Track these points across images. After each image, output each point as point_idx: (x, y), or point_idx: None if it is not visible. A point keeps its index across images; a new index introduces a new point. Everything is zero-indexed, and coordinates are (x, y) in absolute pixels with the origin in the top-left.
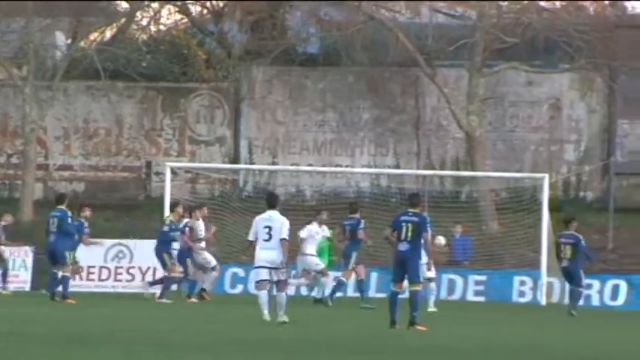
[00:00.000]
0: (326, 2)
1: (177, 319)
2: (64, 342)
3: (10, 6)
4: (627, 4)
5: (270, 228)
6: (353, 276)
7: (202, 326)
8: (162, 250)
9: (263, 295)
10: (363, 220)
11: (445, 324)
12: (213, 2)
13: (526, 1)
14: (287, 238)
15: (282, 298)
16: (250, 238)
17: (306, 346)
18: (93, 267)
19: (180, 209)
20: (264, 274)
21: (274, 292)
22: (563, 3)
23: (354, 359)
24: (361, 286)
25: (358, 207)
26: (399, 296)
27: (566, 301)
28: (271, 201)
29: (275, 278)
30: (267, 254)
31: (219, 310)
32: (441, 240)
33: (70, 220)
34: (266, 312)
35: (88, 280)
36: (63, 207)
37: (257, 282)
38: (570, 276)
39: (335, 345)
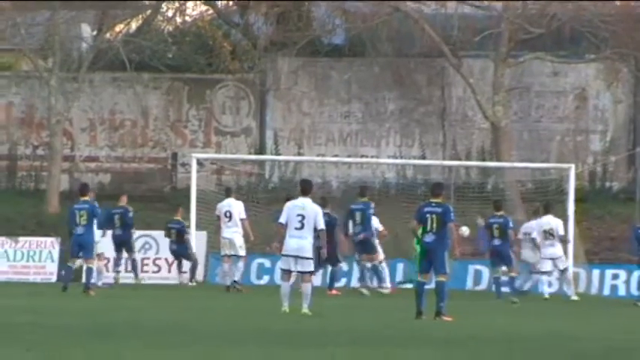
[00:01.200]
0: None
1: (203, 310)
2: (89, 333)
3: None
4: None
5: (302, 216)
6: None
7: (226, 317)
8: None
9: (285, 286)
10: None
11: (471, 314)
12: None
13: None
14: (324, 228)
15: (307, 289)
16: (282, 221)
17: (329, 337)
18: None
19: None
20: (289, 264)
21: (298, 282)
22: None
23: (377, 351)
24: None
25: (501, 204)
26: (426, 287)
27: (594, 290)
28: (305, 187)
29: (300, 269)
30: (296, 243)
31: (244, 300)
32: (464, 230)
33: (99, 211)
34: (286, 304)
35: (114, 271)
36: (87, 198)
37: (282, 270)
38: None
39: (358, 336)
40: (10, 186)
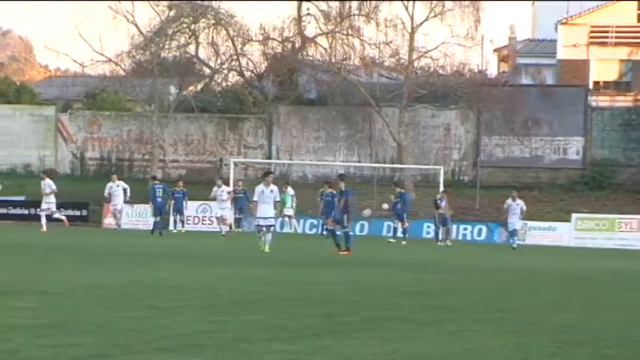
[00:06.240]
0: (321, 70)
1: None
2: (173, 256)
3: (145, 70)
4: (487, 71)
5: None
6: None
7: (227, 252)
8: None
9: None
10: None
11: (382, 248)
12: (257, 69)
13: (432, 71)
14: (279, 200)
15: (269, 236)
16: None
17: (282, 262)
18: (190, 216)
19: None
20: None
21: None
22: (453, 71)
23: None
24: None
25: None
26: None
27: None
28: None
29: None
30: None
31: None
32: (384, 206)
33: (167, 190)
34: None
35: (187, 224)
36: (160, 182)
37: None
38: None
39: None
40: (130, 176)
